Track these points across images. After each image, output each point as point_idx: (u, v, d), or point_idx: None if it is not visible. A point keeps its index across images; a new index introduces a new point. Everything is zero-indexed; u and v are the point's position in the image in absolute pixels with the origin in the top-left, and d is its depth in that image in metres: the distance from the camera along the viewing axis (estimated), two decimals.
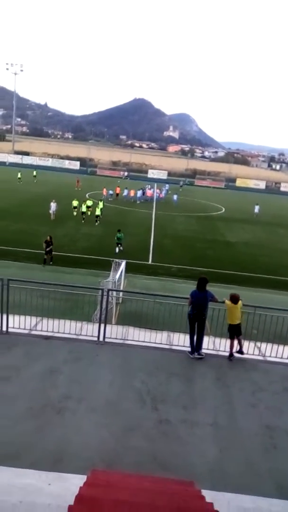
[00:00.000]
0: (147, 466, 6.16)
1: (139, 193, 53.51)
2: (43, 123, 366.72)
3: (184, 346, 9.93)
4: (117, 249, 26.90)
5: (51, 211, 34.31)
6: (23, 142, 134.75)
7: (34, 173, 64.63)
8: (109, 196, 51.71)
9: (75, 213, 37.16)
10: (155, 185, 65.63)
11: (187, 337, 9.98)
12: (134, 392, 7.98)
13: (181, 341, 10.12)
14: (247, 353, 9.98)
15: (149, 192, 55.73)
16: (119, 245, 27.22)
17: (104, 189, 51.84)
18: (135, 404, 7.65)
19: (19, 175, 59.10)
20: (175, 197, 54.10)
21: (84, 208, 35.95)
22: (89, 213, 36.77)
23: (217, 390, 8.50)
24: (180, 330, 10.53)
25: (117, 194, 53.37)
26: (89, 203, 38.34)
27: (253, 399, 8.28)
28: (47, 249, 23.27)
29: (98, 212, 35.35)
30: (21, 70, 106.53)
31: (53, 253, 23.71)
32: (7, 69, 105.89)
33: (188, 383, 8.67)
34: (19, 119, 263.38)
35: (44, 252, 23.26)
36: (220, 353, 10.16)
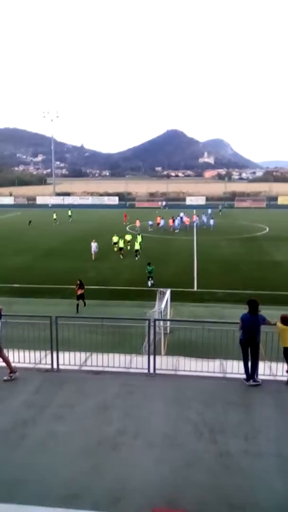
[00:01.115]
0: (211, 503, 5.80)
1: (177, 221, 53.37)
2: (81, 163, 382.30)
3: (238, 373, 9.52)
4: (149, 283, 26.19)
5: (92, 251, 34.08)
6: (63, 183, 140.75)
7: (69, 212, 65.80)
8: (149, 227, 52.24)
9: (115, 249, 36.82)
10: (194, 211, 65.52)
11: (241, 363, 9.57)
12: (190, 424, 7.67)
13: (235, 368, 9.71)
14: None
15: (186, 220, 55.47)
16: (150, 278, 26.41)
17: (137, 221, 52.55)
18: (193, 436, 7.33)
19: (54, 216, 60.88)
20: (211, 221, 53.86)
21: (121, 244, 35.56)
22: (128, 247, 36.83)
23: (278, 418, 7.99)
24: (233, 357, 10.14)
25: (158, 224, 53.72)
26: (128, 237, 38.55)
27: None
28: (79, 292, 21.71)
29: (137, 246, 34.91)
30: (57, 117, 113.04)
31: (91, 291, 22.90)
32: (44, 117, 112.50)
33: (246, 411, 8.22)
34: (58, 162, 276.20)
35: (76, 297, 21.69)
36: (278, 378, 9.63)
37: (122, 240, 35.96)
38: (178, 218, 54.95)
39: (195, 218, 57.53)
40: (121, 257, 34.67)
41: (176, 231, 51.30)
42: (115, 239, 37.52)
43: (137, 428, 7.58)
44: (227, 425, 7.66)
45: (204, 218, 56.97)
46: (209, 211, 69.04)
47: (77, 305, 21.57)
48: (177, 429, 7.56)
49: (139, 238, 36.08)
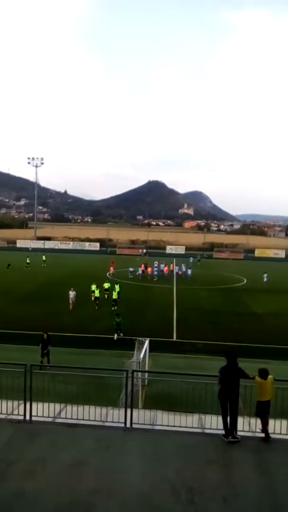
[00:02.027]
0: None
1: (155, 270, 53.96)
2: (64, 209, 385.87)
3: (217, 429, 9.26)
4: (115, 336, 24.12)
5: (70, 300, 32.18)
6: (45, 228, 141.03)
7: (43, 257, 64.28)
8: (129, 274, 52.38)
9: (92, 298, 34.29)
10: (174, 260, 66.07)
11: (220, 419, 9.34)
12: (167, 483, 7.32)
13: (214, 423, 9.47)
14: (286, 433, 9.22)
15: (164, 268, 55.37)
16: (119, 331, 24.26)
17: (111, 268, 52.83)
18: (170, 497, 6.98)
19: (27, 260, 59.86)
20: (189, 271, 54.12)
21: (97, 293, 33.65)
22: (105, 296, 35.74)
23: (258, 478, 7.73)
24: (212, 411, 9.92)
25: (143, 272, 53.36)
26: (106, 285, 37.29)
27: None
28: (44, 350, 19.56)
29: (115, 295, 33.56)
30: (42, 163, 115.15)
31: (55, 347, 20.58)
32: (29, 163, 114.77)
33: (225, 471, 7.94)
34: (40, 207, 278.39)
35: (40, 353, 19.37)
36: (257, 434, 9.41)
37: (98, 290, 34.08)
38: (155, 266, 55.32)
39: (172, 267, 58.10)
40: (96, 307, 32.90)
41: (154, 279, 51.43)
42: (93, 287, 35.20)
43: (111, 487, 7.19)
44: (205, 485, 7.35)
45: (183, 267, 57.28)
46: (191, 259, 70.19)
47: (41, 362, 18.65)
48: (153, 489, 7.21)
49: (117, 288, 34.45)
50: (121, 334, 24.05)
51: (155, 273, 53.26)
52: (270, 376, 9.23)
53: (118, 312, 27.12)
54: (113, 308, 31.79)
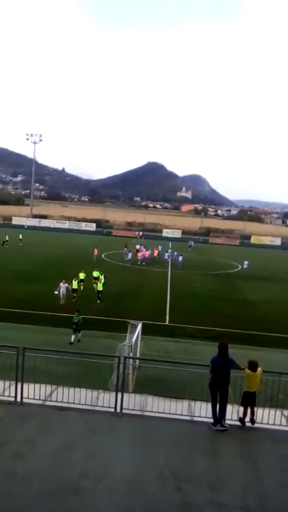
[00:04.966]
0: None
1: (141, 254, 51.87)
2: (61, 187, 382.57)
3: (206, 417, 9.39)
4: (72, 337, 20.56)
5: (60, 294, 28.04)
6: (41, 206, 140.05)
7: (20, 236, 61.69)
8: (124, 256, 52.15)
9: (81, 288, 31.46)
10: (161, 246, 61.81)
11: (209, 406, 9.46)
12: (155, 469, 7.45)
13: (203, 411, 9.58)
14: (274, 423, 9.38)
15: (145, 253, 52.85)
16: (78, 332, 20.82)
17: (96, 250, 50.76)
18: (157, 483, 7.10)
19: (6, 237, 57.82)
20: (180, 258, 51.14)
21: (75, 285, 29.55)
22: (93, 285, 32.12)
23: (244, 466, 7.88)
24: (202, 398, 10.04)
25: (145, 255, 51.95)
26: (95, 274, 33.20)
27: (285, 476, 7.63)
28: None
29: (100, 287, 29.97)
30: (40, 140, 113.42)
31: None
32: (27, 139, 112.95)
33: (212, 458, 8.08)
34: (37, 184, 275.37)
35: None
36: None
37: (76, 281, 30.00)
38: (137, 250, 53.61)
39: (156, 251, 55.81)
40: (74, 299, 28.83)
41: (141, 263, 49.57)
42: (82, 276, 32.47)
43: (99, 472, 7.31)
44: (192, 472, 7.48)
45: (173, 254, 54.35)
46: (191, 243, 69.80)
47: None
48: (141, 474, 7.33)
49: (102, 278, 30.85)
50: (80, 335, 20.86)
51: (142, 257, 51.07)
52: (259, 369, 9.36)
53: (113, 290, 26.57)
54: (98, 302, 29.13)
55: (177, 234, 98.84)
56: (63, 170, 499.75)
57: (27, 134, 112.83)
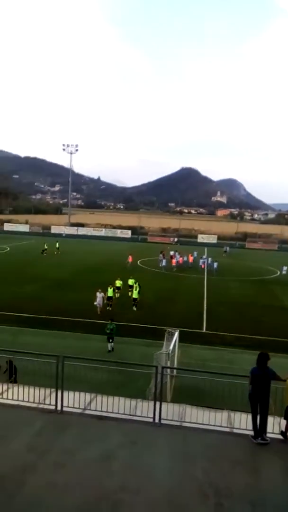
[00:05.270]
0: None
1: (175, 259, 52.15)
2: (97, 195, 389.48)
3: (246, 429, 9.17)
4: (109, 346, 20.68)
5: (96, 303, 27.52)
6: (78, 214, 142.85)
7: (57, 244, 62.46)
8: (159, 262, 52.06)
9: (117, 295, 31.44)
10: (195, 252, 60.52)
11: (249, 417, 9.24)
12: (195, 483, 7.32)
13: (243, 422, 9.37)
14: None
15: (180, 258, 53.28)
16: (111, 340, 20.76)
17: (130, 257, 50.70)
18: (197, 498, 6.98)
19: (45, 246, 59.31)
20: (215, 264, 50.36)
21: (110, 292, 29.19)
22: (129, 293, 31.77)
23: (286, 483, 7.61)
24: (242, 408, 9.82)
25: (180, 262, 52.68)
26: (130, 282, 32.87)
27: None
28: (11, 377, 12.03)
29: (135, 295, 29.68)
30: (76, 150, 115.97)
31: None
32: (64, 149, 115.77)
33: (254, 473, 7.85)
34: (74, 193, 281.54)
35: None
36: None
37: (112, 288, 29.70)
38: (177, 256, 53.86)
39: (191, 257, 55.37)
40: (109, 308, 28.50)
41: (173, 270, 49.31)
42: (118, 283, 32.68)
43: (138, 484, 7.26)
44: (233, 487, 7.29)
45: (208, 260, 54.22)
46: (227, 248, 69.00)
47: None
48: (181, 488, 7.23)
49: (136, 286, 30.35)
50: (112, 344, 20.79)
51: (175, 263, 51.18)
52: None
53: (148, 298, 26.43)
54: (134, 309, 29.16)
55: (213, 239, 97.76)
56: (98, 178, 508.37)
57: (63, 145, 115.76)
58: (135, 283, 31.23)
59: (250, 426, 9.16)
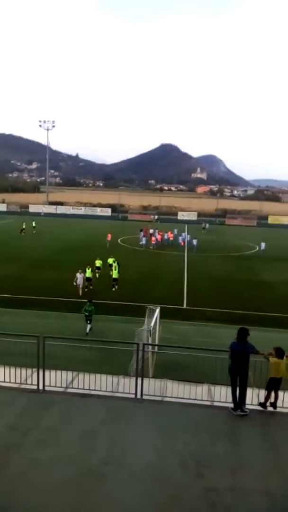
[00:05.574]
0: None
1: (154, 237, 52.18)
2: (75, 173, 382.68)
3: (226, 402, 9.40)
4: (87, 328, 19.98)
5: (77, 283, 27.16)
6: (57, 192, 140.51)
7: (33, 223, 61.26)
8: (139, 240, 52.03)
9: (97, 275, 31.38)
10: (176, 230, 60.86)
11: (229, 390, 9.47)
12: (176, 456, 7.52)
13: (223, 395, 9.60)
14: None
15: (158, 236, 53.12)
16: (89, 322, 20.06)
17: (109, 235, 50.51)
18: (179, 469, 7.18)
19: (23, 225, 58.22)
20: (194, 241, 50.16)
21: (88, 273, 28.57)
22: (97, 275, 31.29)
23: (265, 451, 7.89)
24: (222, 382, 10.04)
25: (161, 239, 53.01)
26: (110, 261, 32.60)
27: None
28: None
29: (115, 274, 29.24)
30: (53, 126, 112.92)
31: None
32: (40, 125, 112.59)
33: (233, 444, 8.11)
34: (52, 171, 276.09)
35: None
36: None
37: (89, 269, 29.02)
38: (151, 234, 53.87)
39: (171, 234, 55.59)
40: (90, 287, 28.40)
41: (152, 247, 49.49)
42: (98, 263, 32.39)
43: (122, 458, 7.41)
44: (214, 458, 7.53)
45: (188, 237, 54.42)
46: (205, 225, 69.47)
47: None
48: (163, 461, 7.41)
49: (115, 266, 30.02)
50: (91, 325, 20.13)
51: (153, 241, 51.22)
52: (286, 357, 9.31)
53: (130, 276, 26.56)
54: (113, 289, 28.64)
55: (193, 216, 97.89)
56: (77, 155, 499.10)
57: (39, 121, 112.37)
58: (114, 262, 30.81)
59: (230, 399, 9.39)
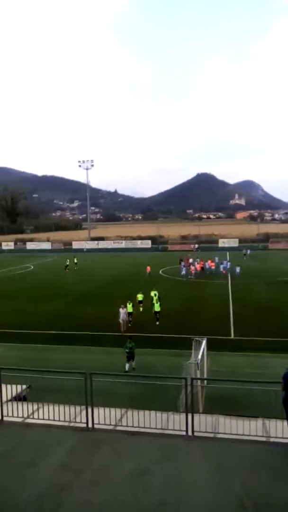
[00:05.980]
0: None
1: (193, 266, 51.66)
2: (115, 208, 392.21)
3: (283, 437, 8.89)
4: (127, 365, 19.31)
5: (120, 320, 26.70)
6: (98, 228, 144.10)
7: (75, 260, 62.41)
8: (181, 270, 51.69)
9: (141, 309, 31.06)
10: (216, 258, 58.62)
11: (285, 424, 8.97)
12: (233, 496, 7.12)
13: (279, 430, 9.10)
14: None
15: (197, 266, 52.37)
16: (131, 360, 19.44)
17: (148, 268, 50.66)
18: (237, 510, 6.78)
19: (67, 262, 59.62)
20: (237, 269, 49.68)
21: (130, 308, 27.83)
22: (140, 309, 30.97)
23: None
24: (276, 415, 9.55)
25: (202, 268, 52.59)
26: (153, 293, 31.49)
27: None
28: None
29: (157, 307, 28.49)
30: (92, 165, 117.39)
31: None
32: (80, 165, 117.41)
33: None
34: (93, 208, 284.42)
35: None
36: None
37: (131, 304, 28.40)
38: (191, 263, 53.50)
39: (211, 263, 54.35)
40: (129, 324, 27.56)
41: (190, 277, 48.75)
42: (140, 297, 32.02)
43: (177, 499, 7.11)
44: (273, 499, 7.06)
45: (228, 265, 53.31)
46: (247, 251, 68.36)
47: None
48: (220, 501, 7.04)
49: (156, 298, 29.57)
50: (133, 363, 19.51)
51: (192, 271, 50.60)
52: None
53: (174, 306, 26.18)
54: (157, 323, 27.87)
55: (234, 243, 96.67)
56: (115, 191, 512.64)
57: (79, 161, 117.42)
58: (155, 296, 30.43)
59: (287, 434, 8.88)
